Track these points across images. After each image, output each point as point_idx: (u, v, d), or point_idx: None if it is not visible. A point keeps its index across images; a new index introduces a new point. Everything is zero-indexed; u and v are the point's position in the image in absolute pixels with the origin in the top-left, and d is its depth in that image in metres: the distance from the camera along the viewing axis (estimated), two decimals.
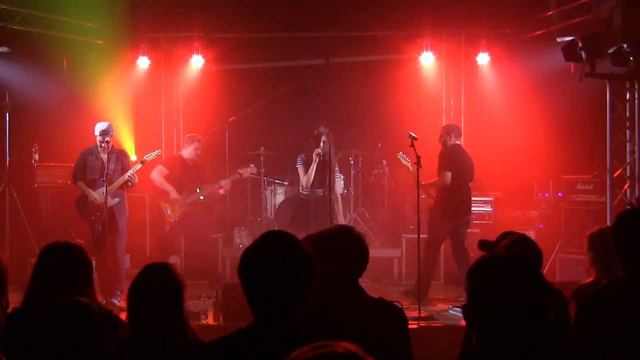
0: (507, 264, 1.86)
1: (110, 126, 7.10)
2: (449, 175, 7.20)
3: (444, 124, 8.03)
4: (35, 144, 8.67)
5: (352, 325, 2.68)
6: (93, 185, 7.09)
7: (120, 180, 7.07)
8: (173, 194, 7.90)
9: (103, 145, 7.01)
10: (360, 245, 3.01)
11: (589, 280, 4.03)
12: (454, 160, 7.31)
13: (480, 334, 1.83)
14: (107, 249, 7.10)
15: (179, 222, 7.86)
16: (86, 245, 7.99)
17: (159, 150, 7.79)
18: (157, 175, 8.01)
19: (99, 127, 7.04)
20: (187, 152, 8.10)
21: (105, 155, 7.04)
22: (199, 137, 8.15)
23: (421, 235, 6.80)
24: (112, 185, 7.04)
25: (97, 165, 7.07)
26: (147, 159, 7.39)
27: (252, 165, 8.40)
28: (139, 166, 7.26)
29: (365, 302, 2.97)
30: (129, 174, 7.06)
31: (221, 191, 8.00)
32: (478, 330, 1.83)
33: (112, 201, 7.08)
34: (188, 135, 8.33)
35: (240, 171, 8.14)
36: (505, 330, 1.76)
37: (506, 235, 3.39)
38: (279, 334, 2.08)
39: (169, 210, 7.97)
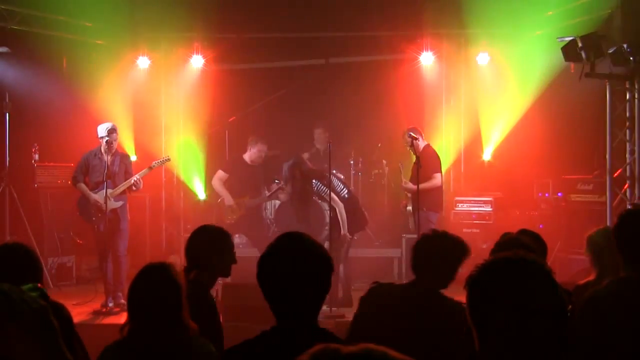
0: (513, 265, 1.85)
1: (115, 126, 7.07)
2: (439, 177, 7.71)
3: (411, 125, 7.80)
4: (35, 144, 8.66)
5: (432, 327, 2.79)
6: (96, 187, 7.06)
7: (126, 184, 7.06)
8: (227, 199, 7.91)
9: (113, 144, 6.95)
10: (452, 251, 3.19)
11: (586, 280, 4.02)
12: (439, 162, 7.87)
13: (482, 335, 1.82)
14: (109, 249, 7.10)
15: (234, 224, 7.85)
16: (87, 246, 8.10)
17: (169, 157, 7.69)
18: (216, 180, 8.05)
19: (105, 126, 7.00)
20: (249, 153, 8.06)
21: (109, 157, 7.02)
22: (262, 140, 8.06)
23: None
24: (116, 189, 7.03)
25: (100, 168, 7.01)
26: (155, 165, 7.34)
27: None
28: (146, 171, 7.21)
29: (445, 304, 3.09)
30: (135, 179, 7.01)
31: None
32: (480, 332, 1.82)
33: (115, 204, 7.06)
34: (250, 137, 8.22)
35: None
36: (508, 332, 1.75)
37: (523, 230, 3.67)
38: (306, 334, 2.09)
39: (228, 213, 8.00)
